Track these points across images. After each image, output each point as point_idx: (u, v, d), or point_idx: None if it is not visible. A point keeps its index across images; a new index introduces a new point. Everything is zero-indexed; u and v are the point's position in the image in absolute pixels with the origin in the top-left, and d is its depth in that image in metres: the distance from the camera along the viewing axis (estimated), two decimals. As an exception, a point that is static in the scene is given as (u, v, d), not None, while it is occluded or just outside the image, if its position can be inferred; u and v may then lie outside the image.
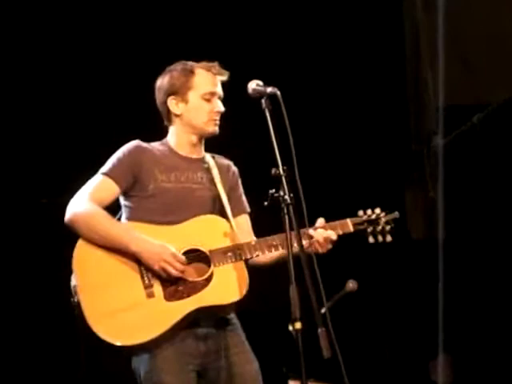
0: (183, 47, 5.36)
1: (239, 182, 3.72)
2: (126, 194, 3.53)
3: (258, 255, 3.47)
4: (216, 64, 3.62)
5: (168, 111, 3.62)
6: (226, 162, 3.72)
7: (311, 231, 3.48)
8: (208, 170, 3.62)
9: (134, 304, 3.34)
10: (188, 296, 3.36)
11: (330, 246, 3.51)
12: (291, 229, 3.15)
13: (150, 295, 3.35)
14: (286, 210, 3.15)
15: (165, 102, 3.60)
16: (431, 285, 5.41)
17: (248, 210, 3.68)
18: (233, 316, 3.55)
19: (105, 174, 3.49)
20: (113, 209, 3.53)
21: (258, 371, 3.53)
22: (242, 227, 3.61)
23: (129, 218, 3.53)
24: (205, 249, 3.43)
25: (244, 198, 3.72)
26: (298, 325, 2.98)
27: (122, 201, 3.56)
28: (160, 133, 3.68)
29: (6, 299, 5.12)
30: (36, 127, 5.27)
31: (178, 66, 3.63)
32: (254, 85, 3.39)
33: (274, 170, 3.20)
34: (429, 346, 5.49)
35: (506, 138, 5.61)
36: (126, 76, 5.34)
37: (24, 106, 5.25)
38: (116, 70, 5.37)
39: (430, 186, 5.77)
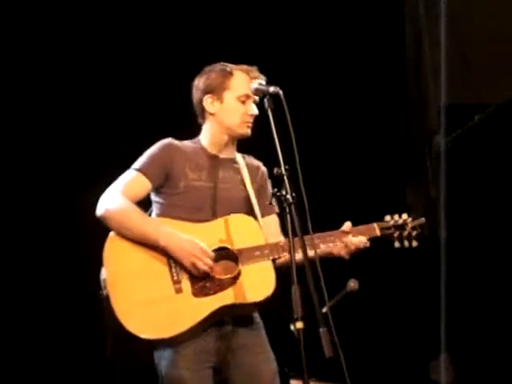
0: (186, 47, 5.39)
1: (268, 182, 3.74)
2: (156, 190, 3.58)
3: (285, 255, 3.48)
4: (255, 68, 3.65)
5: (203, 109, 3.66)
6: (255, 162, 3.77)
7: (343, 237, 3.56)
8: (238, 170, 3.66)
9: (162, 298, 3.38)
10: (214, 293, 3.40)
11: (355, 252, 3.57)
12: (293, 229, 3.15)
13: (179, 290, 3.40)
14: (288, 210, 3.15)
15: (201, 101, 3.65)
16: (433, 284, 5.41)
17: (276, 210, 3.65)
18: (256, 315, 3.60)
19: (137, 169, 3.55)
20: (144, 204, 3.58)
21: (275, 372, 3.58)
22: (270, 227, 3.64)
23: (159, 214, 3.58)
24: (233, 247, 3.47)
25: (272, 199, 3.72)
26: (300, 324, 2.98)
27: (153, 197, 3.61)
28: (186, 134, 3.72)
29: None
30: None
31: (216, 67, 3.68)
32: (256, 84, 3.42)
33: (276, 170, 3.21)
34: (430, 346, 5.49)
35: (508, 137, 5.61)
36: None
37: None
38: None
39: (432, 186, 5.77)
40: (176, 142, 3.65)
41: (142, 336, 3.32)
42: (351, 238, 3.59)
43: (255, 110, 3.61)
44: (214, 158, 3.64)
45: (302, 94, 5.29)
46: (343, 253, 3.59)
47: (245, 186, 3.63)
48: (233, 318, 3.48)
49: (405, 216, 3.69)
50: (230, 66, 3.66)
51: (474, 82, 5.67)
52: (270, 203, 3.42)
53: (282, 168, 3.20)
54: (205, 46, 5.33)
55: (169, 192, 3.56)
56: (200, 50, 5.27)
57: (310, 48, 5.66)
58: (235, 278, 3.42)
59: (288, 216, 3.15)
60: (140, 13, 5.39)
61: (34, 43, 5.21)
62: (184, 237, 3.42)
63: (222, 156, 3.66)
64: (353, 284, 4.24)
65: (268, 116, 3.28)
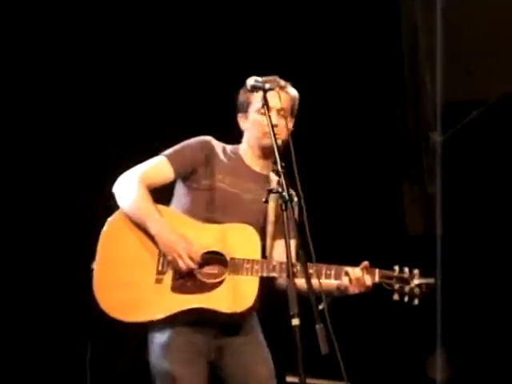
0: (184, 48, 5.39)
1: (295, 211, 3.62)
2: (182, 180, 3.62)
3: (274, 276, 3.47)
4: (274, 77, 3.67)
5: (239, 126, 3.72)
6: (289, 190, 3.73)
7: (349, 268, 3.50)
8: (266, 189, 3.61)
9: (140, 284, 3.44)
10: (192, 293, 3.41)
11: (362, 290, 3.51)
12: (288, 226, 3.14)
13: (159, 281, 3.43)
14: (284, 207, 3.15)
15: (236, 118, 3.72)
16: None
17: (294, 236, 3.55)
18: (253, 314, 3.60)
19: (166, 156, 3.59)
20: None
21: (272, 370, 3.58)
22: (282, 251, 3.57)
23: (177, 205, 3.62)
24: (227, 255, 3.46)
25: (295, 228, 3.68)
26: (296, 321, 2.98)
27: (177, 185, 3.66)
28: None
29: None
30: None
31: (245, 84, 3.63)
32: (252, 81, 3.41)
33: (273, 167, 3.21)
34: (426, 343, 5.49)
35: (504, 134, 5.61)
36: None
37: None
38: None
39: (428, 182, 5.77)
40: (215, 141, 3.69)
41: (110, 314, 3.38)
42: (361, 275, 3.50)
43: (274, 120, 3.52)
44: (246, 168, 3.67)
45: (298, 90, 5.28)
46: (354, 290, 3.52)
47: (266, 205, 3.61)
48: (215, 322, 3.47)
49: (416, 271, 3.58)
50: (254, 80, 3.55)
51: (470, 78, 5.67)
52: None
53: (279, 165, 3.21)
54: (205, 45, 5.34)
55: (191, 186, 3.59)
56: (200, 50, 5.29)
57: (306, 45, 5.65)
58: (217, 285, 3.43)
59: (285, 213, 3.15)
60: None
61: (34, 42, 5.21)
62: (175, 233, 3.45)
63: (255, 169, 3.68)
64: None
65: (264, 113, 3.30)
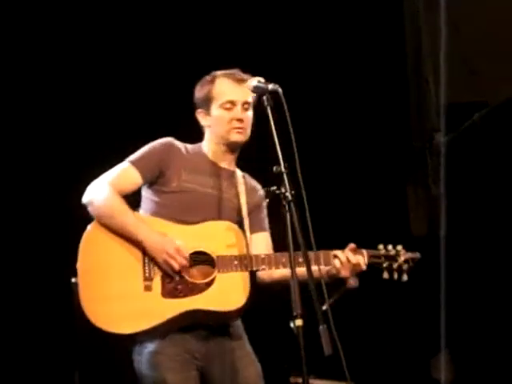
0: (188, 46, 5.39)
1: (264, 204, 3.70)
2: (148, 186, 3.55)
3: (264, 269, 3.45)
4: (236, 71, 3.64)
5: (199, 123, 3.67)
6: (254, 183, 3.74)
7: (338, 252, 3.50)
8: (235, 184, 3.63)
9: (129, 294, 3.35)
10: (184, 296, 3.37)
11: (353, 272, 3.53)
12: (292, 226, 3.15)
13: (148, 289, 3.36)
14: (287, 207, 3.14)
15: (195, 115, 3.66)
16: (433, 282, 5.41)
17: (268, 229, 3.66)
18: (239, 324, 3.55)
19: (131, 162, 3.52)
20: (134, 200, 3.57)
21: (260, 374, 3.54)
22: (261, 244, 3.60)
23: (145, 210, 3.55)
24: (213, 253, 3.43)
25: (267, 220, 3.70)
26: (300, 322, 2.98)
27: (143, 191, 3.58)
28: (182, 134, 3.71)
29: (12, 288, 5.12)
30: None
31: (203, 79, 3.66)
32: (255, 82, 3.39)
33: (275, 167, 3.20)
34: (430, 344, 5.49)
35: (508, 135, 5.61)
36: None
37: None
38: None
39: (432, 184, 5.77)
40: (177, 142, 3.62)
41: (104, 328, 3.30)
42: (352, 256, 3.52)
43: (240, 114, 3.56)
44: (212, 166, 3.62)
45: (302, 91, 5.29)
46: (346, 273, 3.53)
47: (238, 200, 3.60)
48: (208, 323, 3.43)
49: (399, 247, 3.61)
50: (212, 75, 3.63)
51: (474, 80, 5.68)
52: (264, 221, 3.49)
53: (282, 166, 3.20)
54: (204, 45, 5.33)
55: (160, 189, 3.53)
56: (199, 50, 5.29)
57: (310, 45, 5.66)
58: (208, 285, 3.38)
59: (287, 214, 3.14)
60: (138, 12, 5.39)
61: (29, 40, 5.20)
62: (162, 235, 3.40)
63: (220, 165, 3.64)
64: (353, 281, 4.23)
65: (267, 114, 3.28)
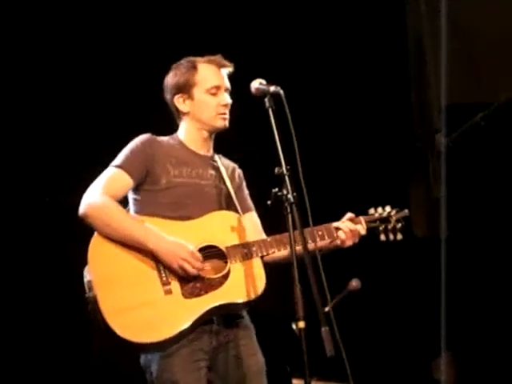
0: (188, 45, 5.34)
1: (244, 183, 3.74)
2: (136, 187, 3.51)
3: (273, 252, 3.47)
4: (218, 56, 3.63)
5: (177, 109, 3.63)
6: (231, 163, 3.75)
7: (339, 223, 3.55)
8: (217, 168, 3.64)
9: (151, 301, 3.31)
10: (206, 293, 3.36)
11: (356, 240, 3.57)
12: (294, 228, 3.15)
13: (168, 292, 3.34)
14: (289, 209, 3.14)
15: (172, 101, 3.62)
16: (434, 283, 5.41)
17: (253, 207, 3.70)
18: (246, 315, 3.57)
19: (117, 166, 3.48)
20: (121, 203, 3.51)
21: (263, 365, 3.54)
22: (252, 224, 3.62)
23: (138, 212, 3.50)
24: (221, 245, 3.43)
25: (249, 197, 3.73)
26: (302, 324, 2.99)
27: (131, 194, 3.54)
28: (166, 131, 3.69)
29: (14, 299, 5.10)
30: (41, 125, 5.27)
31: (181, 63, 3.65)
32: (257, 84, 3.40)
33: (277, 169, 3.20)
34: (431, 345, 5.49)
35: (509, 136, 5.61)
36: (129, 74, 5.34)
37: (30, 105, 5.25)
38: (119, 68, 5.36)
39: (434, 185, 5.77)
40: (156, 137, 3.60)
41: (134, 340, 3.23)
42: (341, 225, 3.57)
43: (228, 100, 3.58)
44: (193, 155, 3.61)
45: (304, 93, 5.29)
46: (349, 242, 3.57)
47: (225, 184, 3.60)
48: (222, 315, 3.44)
49: (388, 208, 3.68)
50: (193, 60, 3.62)
51: (475, 80, 5.67)
52: (248, 201, 3.53)
53: (283, 167, 3.20)
54: (204, 45, 5.33)
55: (150, 189, 3.50)
56: (199, 50, 5.28)
57: (312, 47, 5.66)
58: (225, 277, 3.39)
59: (289, 216, 3.14)
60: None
61: (29, 40, 5.20)
62: (171, 239, 3.36)
63: (200, 153, 3.63)
64: (355, 283, 4.24)
65: (269, 116, 3.28)
